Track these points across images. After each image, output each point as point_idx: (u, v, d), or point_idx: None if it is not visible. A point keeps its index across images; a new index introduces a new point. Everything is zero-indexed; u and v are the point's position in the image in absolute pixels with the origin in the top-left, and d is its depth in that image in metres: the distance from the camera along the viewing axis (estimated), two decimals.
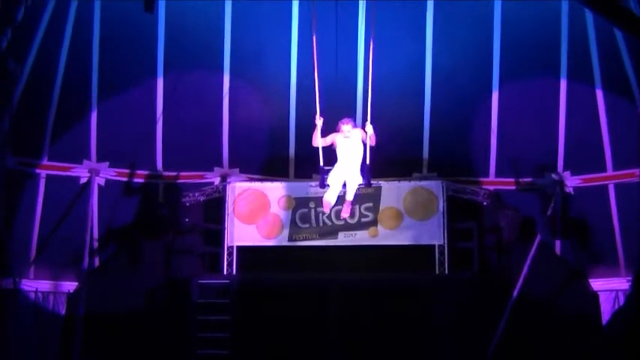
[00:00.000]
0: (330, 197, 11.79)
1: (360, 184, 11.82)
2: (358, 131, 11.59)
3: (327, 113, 11.74)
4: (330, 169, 11.68)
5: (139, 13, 13.53)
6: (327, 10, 14.59)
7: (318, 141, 11.53)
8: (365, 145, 11.55)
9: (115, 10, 15.02)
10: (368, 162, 11.62)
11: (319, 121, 11.50)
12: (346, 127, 11.48)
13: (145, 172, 16.17)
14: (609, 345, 14.31)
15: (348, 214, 12.91)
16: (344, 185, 11.82)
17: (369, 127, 11.40)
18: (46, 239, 15.39)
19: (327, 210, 12.59)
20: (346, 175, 11.65)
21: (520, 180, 16.04)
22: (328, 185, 11.65)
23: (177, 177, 16.27)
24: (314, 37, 11.84)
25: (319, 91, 11.61)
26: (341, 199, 12.22)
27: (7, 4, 12.58)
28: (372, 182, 12.43)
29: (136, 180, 16.10)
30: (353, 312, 14.80)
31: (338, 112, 11.99)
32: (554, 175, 15.74)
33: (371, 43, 12.05)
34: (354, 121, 11.63)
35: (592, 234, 15.55)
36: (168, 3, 15.34)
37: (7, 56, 12.72)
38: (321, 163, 11.61)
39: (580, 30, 15.19)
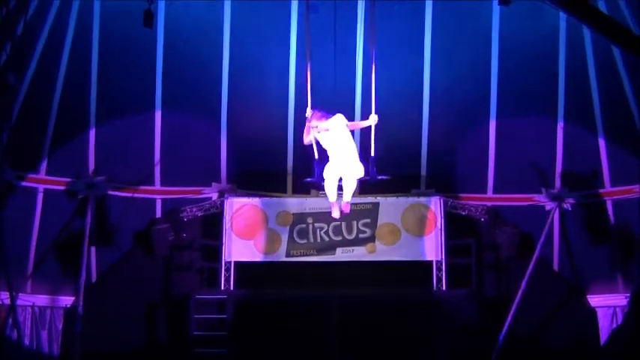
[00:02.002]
0: (330, 194, 10.58)
1: (361, 178, 10.63)
2: (337, 118, 10.41)
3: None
4: (325, 163, 10.70)
5: (137, 28, 13.62)
6: (326, 26, 14.63)
7: (310, 138, 10.59)
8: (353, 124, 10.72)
9: (114, 25, 15.08)
10: (373, 154, 10.87)
11: (310, 114, 10.51)
12: (314, 123, 10.35)
13: (143, 187, 16.15)
14: None
15: (348, 210, 11.07)
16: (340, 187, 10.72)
17: (375, 118, 10.56)
18: (43, 253, 15.37)
19: (336, 213, 10.95)
20: (342, 167, 10.41)
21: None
22: (324, 179, 10.51)
23: (174, 192, 16.25)
24: (307, 46, 11.65)
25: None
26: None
27: (7, 19, 12.61)
28: (378, 176, 11.16)
29: (133, 195, 16.08)
30: (350, 328, 14.75)
31: None
32: (551, 192, 15.75)
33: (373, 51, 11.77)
34: (322, 112, 10.39)
35: (590, 250, 15.54)
36: (166, 18, 15.40)
37: (6, 70, 12.73)
38: (316, 157, 10.74)
39: (578, 48, 15.28)
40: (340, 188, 10.70)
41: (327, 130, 10.32)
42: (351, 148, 10.40)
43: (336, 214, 10.99)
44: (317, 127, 10.30)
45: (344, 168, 10.39)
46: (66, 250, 15.38)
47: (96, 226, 15.47)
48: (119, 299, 15.44)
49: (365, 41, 15.23)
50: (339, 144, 10.37)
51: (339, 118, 10.39)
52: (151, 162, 16.10)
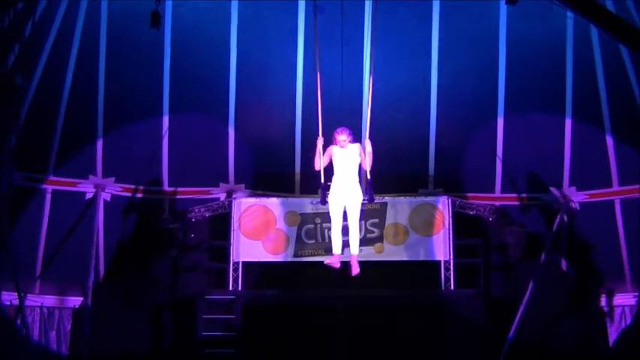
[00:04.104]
0: (335, 241, 11.53)
1: (362, 201, 11.35)
2: (355, 145, 11.21)
3: (333, 129, 11.64)
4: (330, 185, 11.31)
5: (145, 28, 13.63)
6: (333, 27, 14.63)
7: (320, 163, 11.14)
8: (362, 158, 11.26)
9: (122, 25, 15.12)
10: (369, 177, 11.32)
11: (320, 142, 11.10)
12: (341, 136, 11.08)
13: (151, 188, 16.19)
14: None
15: (357, 270, 11.73)
16: (344, 217, 11.37)
17: (368, 144, 11.12)
18: (51, 254, 15.40)
19: (336, 265, 11.69)
20: (345, 190, 11.13)
21: (522, 196, 16.00)
22: (327, 202, 11.26)
23: (183, 192, 16.28)
24: (317, 59, 11.71)
25: (324, 109, 11.44)
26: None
27: (15, 20, 12.64)
28: (374, 198, 12.30)
29: (141, 195, 16.12)
30: (358, 328, 14.76)
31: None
32: (559, 191, 15.71)
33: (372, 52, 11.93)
34: (351, 133, 11.14)
35: (598, 249, 15.49)
36: (174, 18, 15.43)
37: (14, 72, 12.77)
38: (322, 181, 11.21)
39: (585, 47, 15.24)
40: (345, 232, 11.47)
41: (346, 147, 11.15)
42: (355, 173, 11.24)
43: (336, 264, 11.69)
44: (345, 139, 11.12)
45: (345, 191, 11.17)
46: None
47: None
48: (127, 300, 15.45)
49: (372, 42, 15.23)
50: (348, 164, 11.15)
51: (356, 145, 11.21)
52: (159, 162, 16.13)
